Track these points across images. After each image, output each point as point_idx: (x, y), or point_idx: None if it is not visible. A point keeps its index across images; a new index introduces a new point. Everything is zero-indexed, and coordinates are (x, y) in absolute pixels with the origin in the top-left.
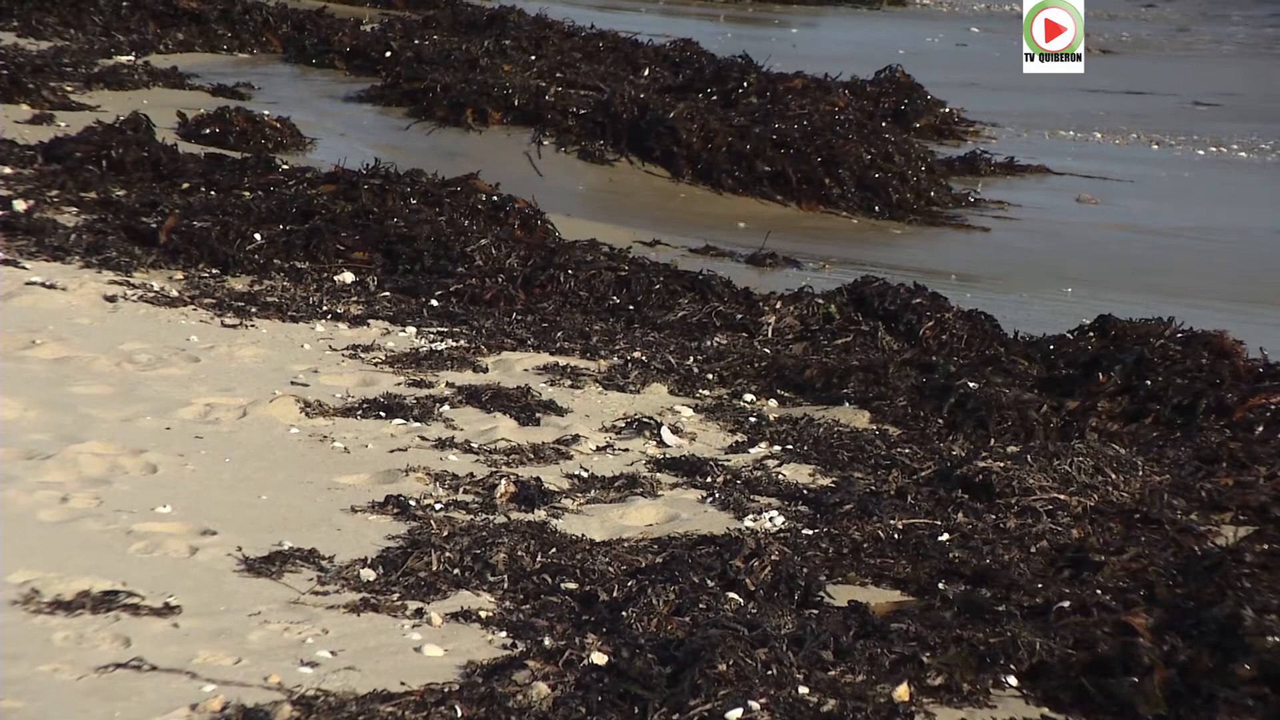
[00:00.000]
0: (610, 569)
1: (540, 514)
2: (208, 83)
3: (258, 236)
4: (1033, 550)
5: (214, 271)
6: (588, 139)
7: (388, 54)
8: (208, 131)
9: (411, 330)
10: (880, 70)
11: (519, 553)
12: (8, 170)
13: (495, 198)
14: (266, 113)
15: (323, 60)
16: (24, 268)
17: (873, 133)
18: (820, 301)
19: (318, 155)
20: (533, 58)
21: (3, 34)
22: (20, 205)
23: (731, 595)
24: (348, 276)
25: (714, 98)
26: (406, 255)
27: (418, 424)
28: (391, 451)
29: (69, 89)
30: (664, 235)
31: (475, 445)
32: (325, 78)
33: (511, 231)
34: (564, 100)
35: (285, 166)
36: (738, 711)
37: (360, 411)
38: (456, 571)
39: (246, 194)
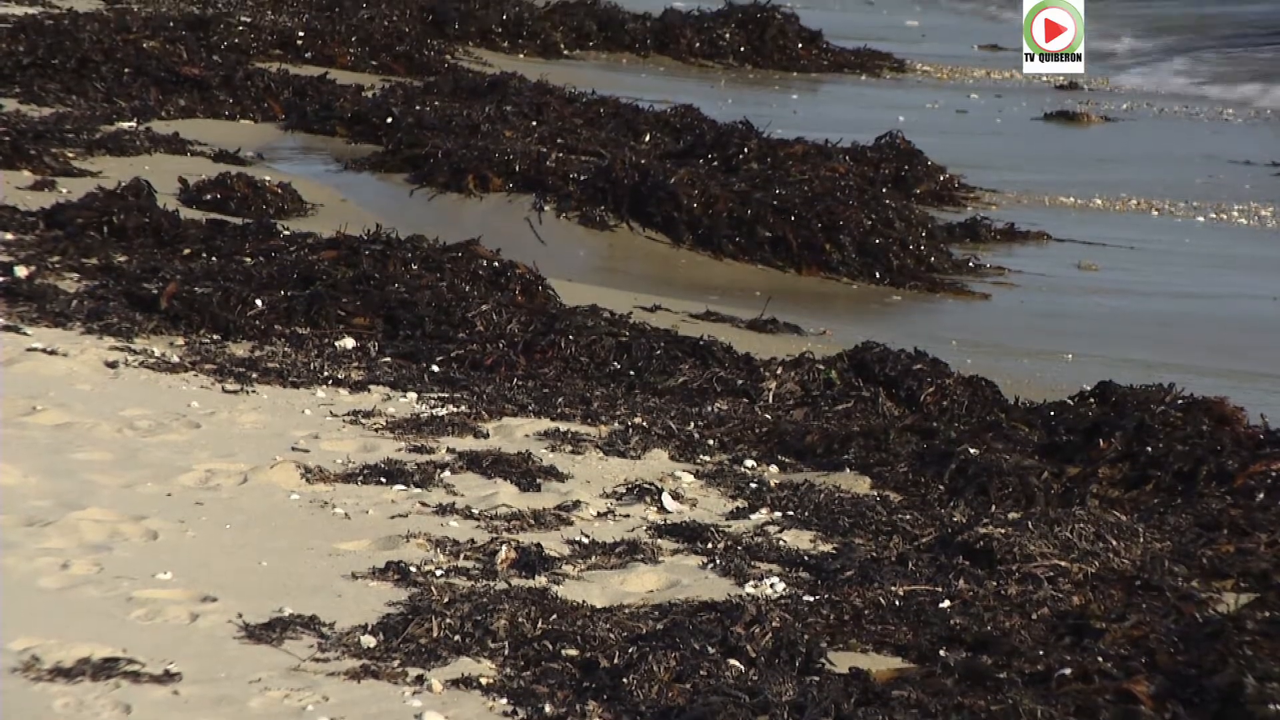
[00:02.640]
0: (611, 635)
1: (541, 580)
2: (209, 149)
3: (259, 302)
4: (1034, 617)
5: (215, 337)
6: (589, 204)
7: (389, 120)
8: (209, 197)
9: (412, 396)
10: (880, 136)
11: (520, 619)
12: (9, 236)
13: (496, 263)
14: (268, 178)
15: (324, 126)
16: (25, 334)
17: (873, 199)
18: (821, 367)
19: (319, 221)
20: (534, 123)
21: (4, 100)
22: (22, 271)
23: (732, 662)
24: (349, 342)
25: (715, 163)
26: (407, 321)
27: (418, 490)
28: (392, 517)
29: (71, 155)
30: (665, 300)
31: (476, 511)
32: (326, 143)
33: (512, 297)
34: (565, 166)
35: (286, 232)
36: None
37: (361, 477)
38: (457, 638)
39: (248, 260)
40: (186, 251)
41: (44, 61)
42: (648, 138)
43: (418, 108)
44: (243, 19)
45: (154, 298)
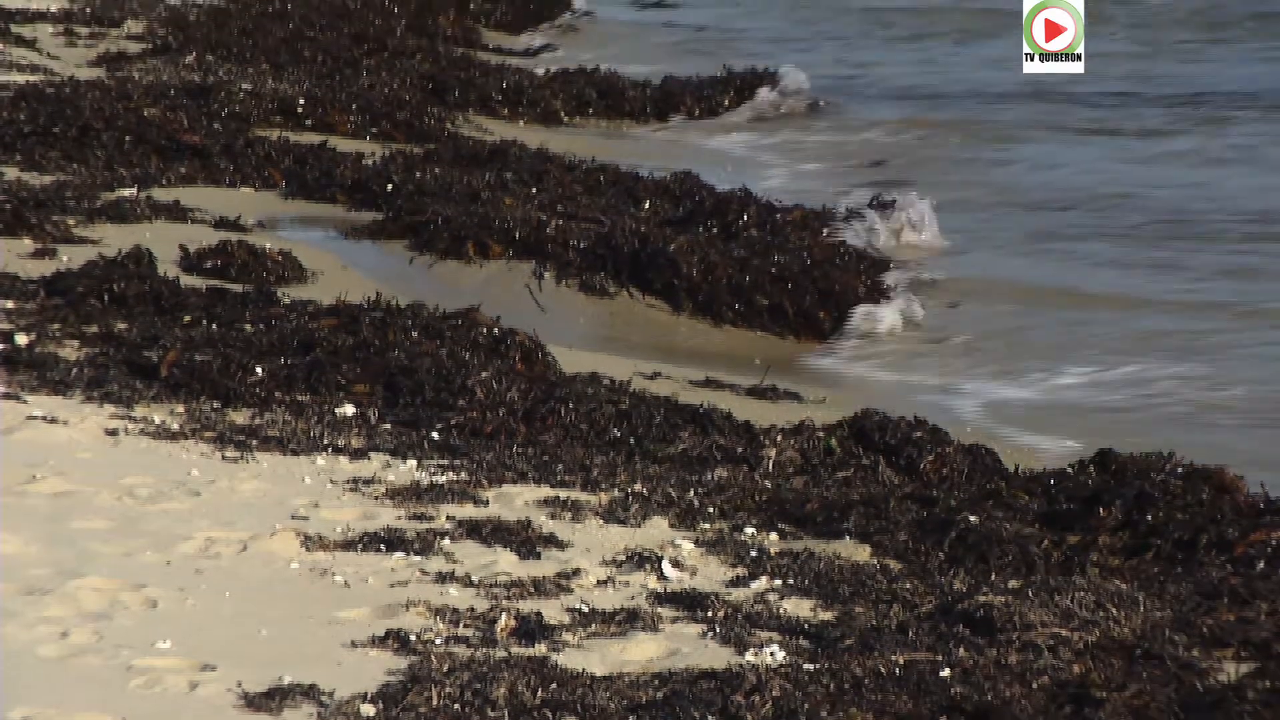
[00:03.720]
0: (611, 704)
1: (541, 648)
2: (210, 216)
3: (259, 370)
4: (1034, 686)
5: (215, 405)
6: (589, 272)
7: (389, 187)
8: (210, 264)
9: (412, 463)
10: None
11: (519, 688)
12: (10, 304)
13: (496, 331)
14: (268, 245)
15: (324, 193)
16: (25, 401)
17: (871, 266)
18: (821, 435)
19: (319, 288)
20: (534, 190)
21: (6, 168)
22: (22, 339)
23: None
24: (349, 409)
25: (714, 230)
26: (408, 388)
27: (418, 558)
28: (392, 585)
29: (71, 223)
30: (665, 367)
31: (476, 579)
32: (327, 210)
33: (512, 365)
34: (565, 233)
35: (287, 300)
36: None
37: (361, 545)
38: (457, 707)
39: (248, 327)
40: (187, 319)
41: (45, 129)
42: (647, 205)
43: (418, 175)
44: (243, 87)
45: (154, 365)
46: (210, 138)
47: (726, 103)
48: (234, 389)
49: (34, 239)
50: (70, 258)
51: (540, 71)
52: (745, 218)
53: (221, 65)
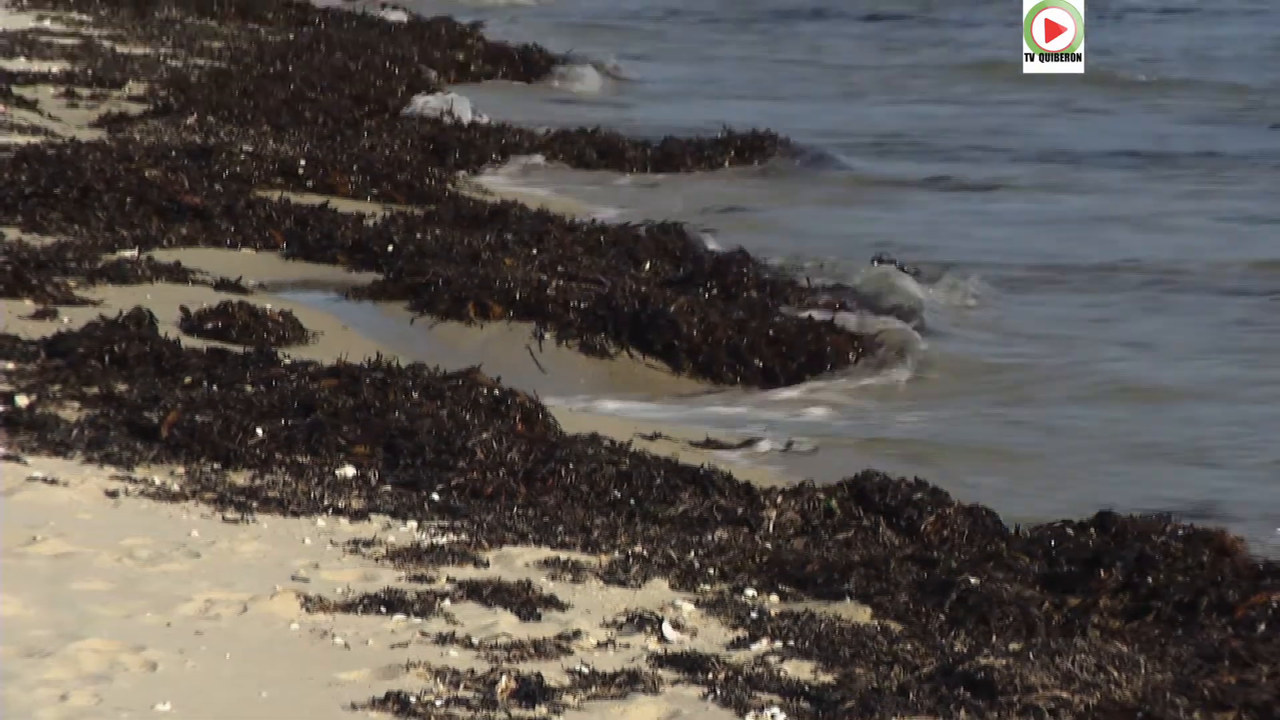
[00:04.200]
0: None
1: (541, 710)
2: (211, 277)
3: (259, 431)
4: None
5: (216, 466)
6: (589, 332)
7: (390, 248)
8: (210, 326)
9: (413, 524)
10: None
11: None
12: (10, 366)
13: (497, 392)
14: (269, 307)
15: (325, 254)
16: (26, 463)
17: (865, 330)
18: (821, 496)
19: (320, 349)
20: (534, 251)
21: (7, 230)
22: (22, 401)
23: None
24: (349, 470)
25: (715, 291)
26: (408, 449)
27: (419, 619)
28: (392, 647)
29: (72, 284)
30: (665, 428)
31: (476, 641)
32: (328, 271)
33: (513, 425)
34: (565, 294)
35: (287, 360)
36: None
37: (361, 607)
38: None
39: (248, 388)
40: (187, 380)
41: (46, 191)
42: (648, 265)
43: (419, 236)
44: (244, 148)
45: (155, 427)
46: (211, 199)
47: (727, 163)
48: (234, 450)
49: (35, 300)
50: (71, 319)
51: (540, 132)
52: (745, 279)
53: (223, 126)
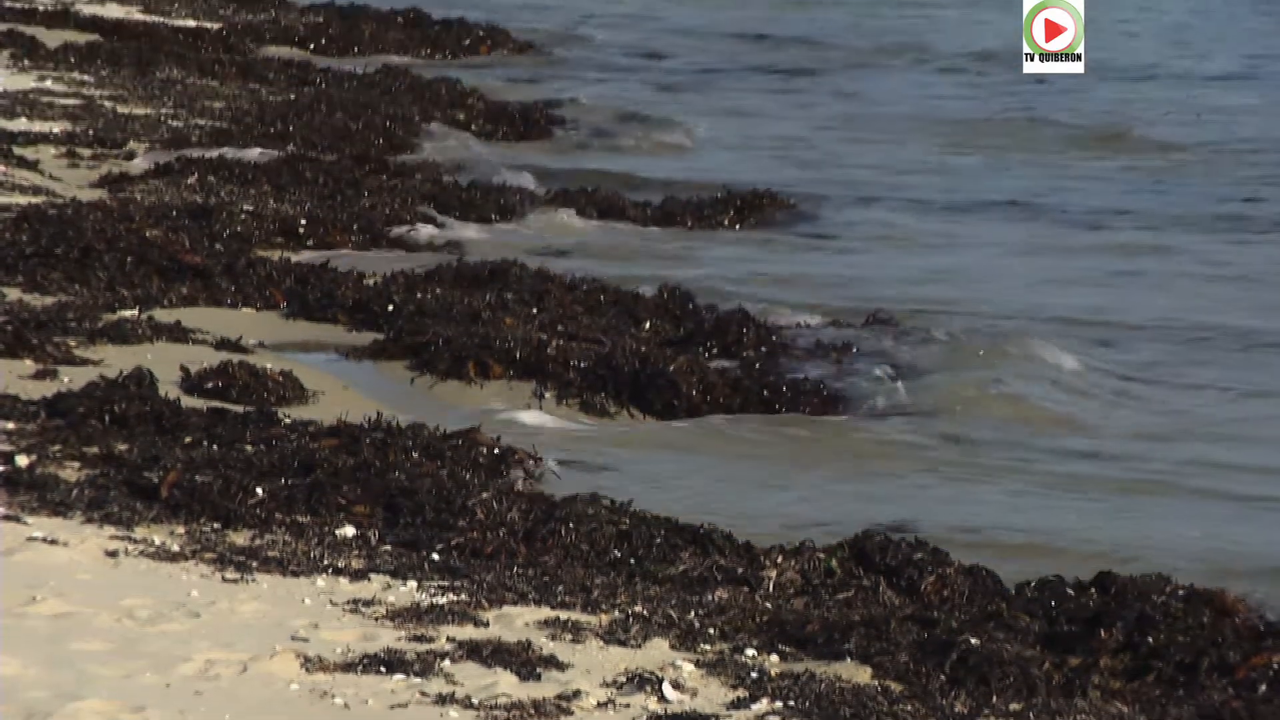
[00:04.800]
0: None
1: None
2: (211, 337)
3: (259, 491)
4: None
5: (216, 526)
6: (589, 391)
7: (390, 308)
8: (210, 385)
9: (413, 584)
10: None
11: None
12: (11, 425)
13: (497, 451)
14: (269, 366)
15: (326, 314)
16: (26, 523)
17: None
18: (821, 556)
19: (320, 408)
20: (534, 310)
21: (7, 290)
22: (23, 461)
23: None
24: (349, 530)
25: (714, 350)
26: (408, 509)
27: (418, 679)
28: (392, 707)
29: (73, 344)
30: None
31: (476, 700)
32: (328, 331)
33: (513, 485)
34: (566, 353)
35: (287, 420)
36: None
37: (361, 667)
38: None
39: (249, 448)
40: (188, 440)
41: (47, 251)
42: (648, 325)
43: (419, 295)
44: (245, 207)
45: (155, 486)
46: (212, 258)
47: (726, 221)
48: (234, 510)
49: (35, 360)
50: (71, 379)
51: (541, 192)
52: (745, 337)
53: (223, 186)
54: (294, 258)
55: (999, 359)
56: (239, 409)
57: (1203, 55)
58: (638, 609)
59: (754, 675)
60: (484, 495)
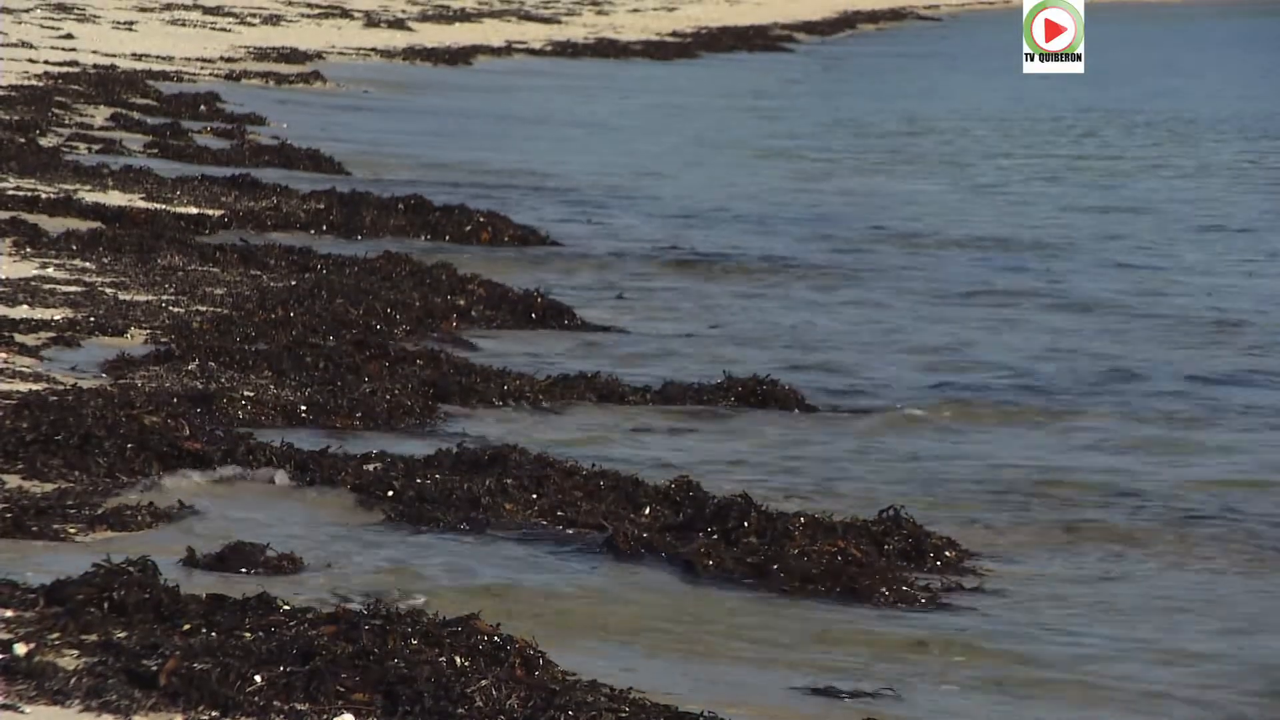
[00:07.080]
0: None
1: None
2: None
3: (258, 678)
4: None
5: (214, 714)
6: None
7: (390, 493)
8: (212, 567)
9: None
10: (883, 510)
11: None
12: (9, 613)
13: (496, 638)
14: (270, 549)
15: (325, 497)
16: (23, 712)
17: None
18: None
19: (321, 590)
20: (534, 495)
21: (7, 477)
22: (21, 649)
23: None
24: (348, 718)
25: (715, 536)
26: (407, 696)
27: None
28: None
29: (72, 530)
30: None
31: None
32: (329, 513)
33: (512, 671)
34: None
35: (286, 607)
36: None
37: None
38: None
39: (247, 635)
40: (186, 627)
41: (47, 437)
42: (648, 510)
43: (419, 480)
44: (245, 393)
45: (153, 674)
46: (212, 444)
47: (726, 407)
48: (232, 698)
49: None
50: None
51: (541, 377)
52: (746, 524)
53: (224, 372)
54: (295, 442)
55: None
56: (238, 595)
57: None
58: None
59: None
60: (483, 682)
